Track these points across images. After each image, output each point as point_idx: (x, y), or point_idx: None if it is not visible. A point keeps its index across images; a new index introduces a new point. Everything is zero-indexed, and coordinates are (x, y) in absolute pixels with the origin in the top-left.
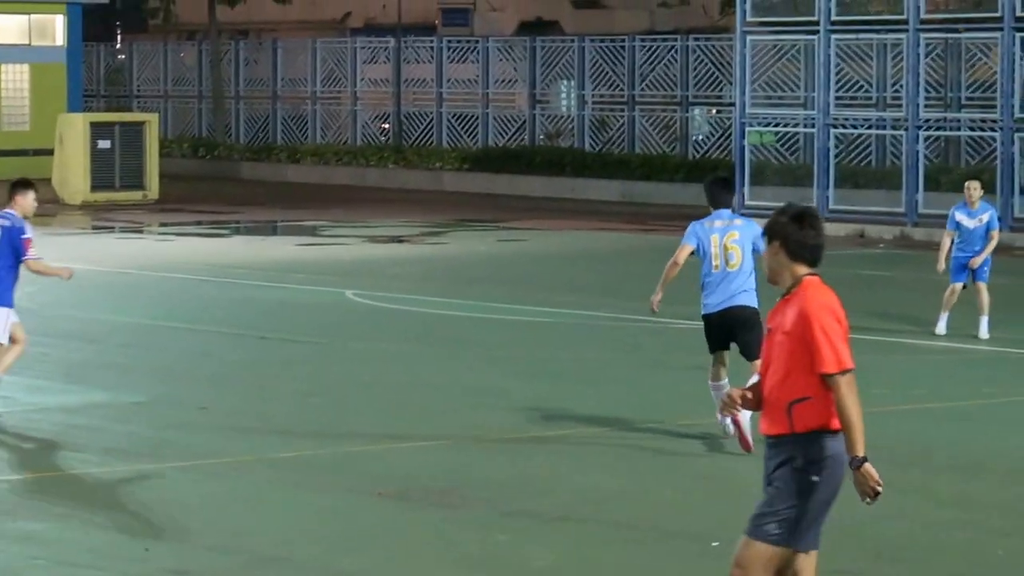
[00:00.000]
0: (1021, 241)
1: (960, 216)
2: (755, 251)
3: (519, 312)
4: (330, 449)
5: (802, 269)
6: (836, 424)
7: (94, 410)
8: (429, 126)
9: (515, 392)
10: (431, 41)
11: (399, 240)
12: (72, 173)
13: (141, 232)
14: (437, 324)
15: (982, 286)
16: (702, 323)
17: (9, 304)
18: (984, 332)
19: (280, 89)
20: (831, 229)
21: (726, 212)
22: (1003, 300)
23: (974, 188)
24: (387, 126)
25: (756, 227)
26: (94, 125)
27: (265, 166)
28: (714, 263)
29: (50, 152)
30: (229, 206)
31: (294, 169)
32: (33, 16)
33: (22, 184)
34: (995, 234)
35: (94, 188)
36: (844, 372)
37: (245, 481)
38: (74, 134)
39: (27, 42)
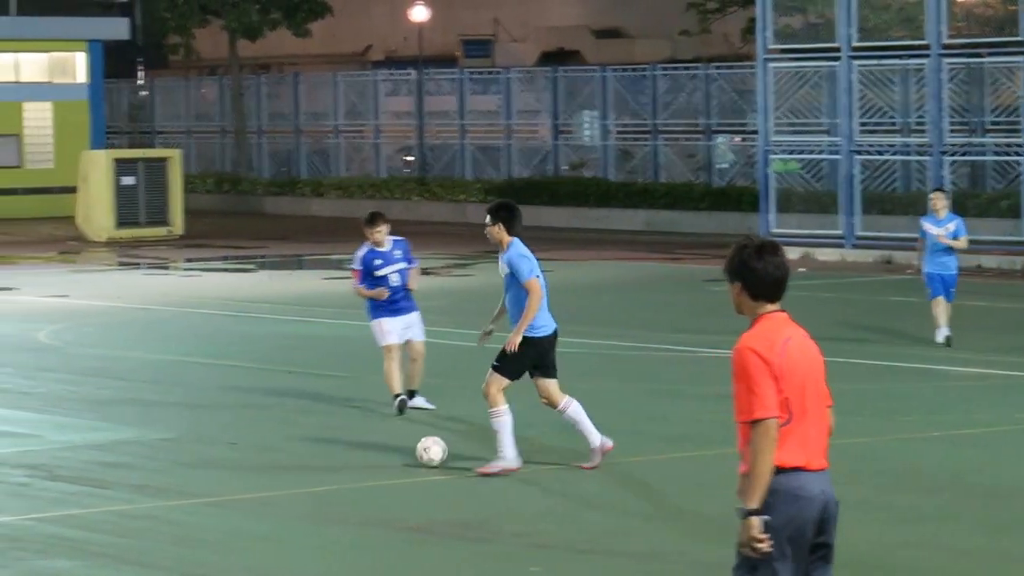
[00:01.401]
0: None
1: (927, 225)
2: None
3: None
4: (357, 483)
5: (765, 307)
6: (787, 461)
7: (122, 447)
8: (452, 158)
9: (537, 423)
10: (453, 73)
11: (424, 272)
12: (97, 210)
13: (166, 268)
14: (461, 357)
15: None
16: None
17: None
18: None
19: (302, 123)
20: (858, 256)
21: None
22: None
23: (938, 199)
24: (410, 158)
25: None
26: (118, 162)
27: (289, 200)
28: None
29: (74, 190)
30: (254, 241)
31: (318, 203)
32: (55, 54)
33: None
34: (961, 241)
35: (119, 225)
36: (755, 422)
37: (273, 517)
38: (98, 171)
39: (49, 80)
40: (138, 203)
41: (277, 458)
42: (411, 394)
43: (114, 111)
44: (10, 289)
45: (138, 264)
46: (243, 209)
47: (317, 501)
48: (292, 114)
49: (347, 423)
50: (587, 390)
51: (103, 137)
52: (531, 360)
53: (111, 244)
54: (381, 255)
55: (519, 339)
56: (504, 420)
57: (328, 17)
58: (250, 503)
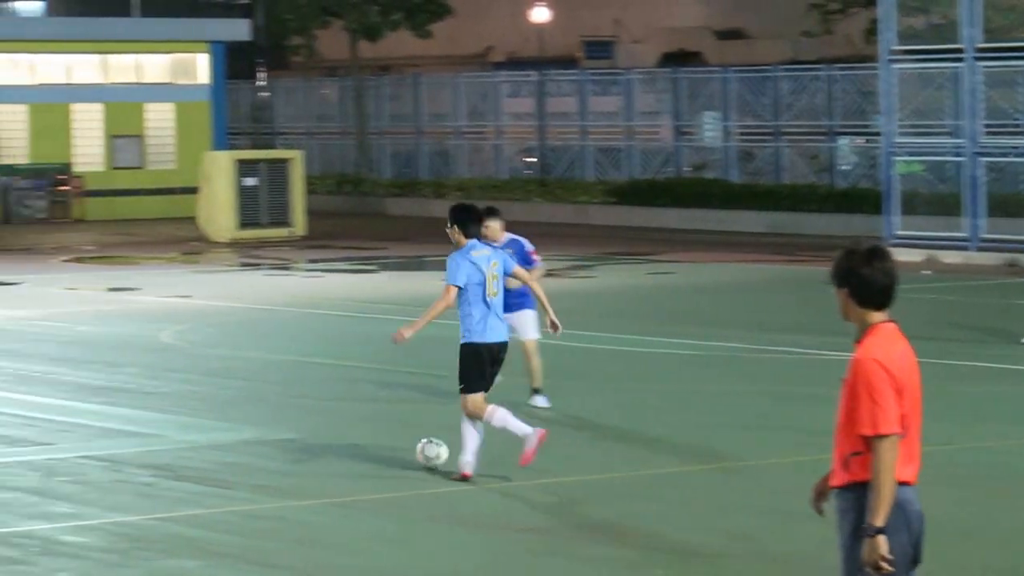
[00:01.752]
0: None
1: None
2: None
3: (668, 345)
4: (482, 485)
5: (873, 315)
6: (900, 476)
7: (244, 447)
8: (573, 159)
9: (664, 425)
10: (574, 74)
11: (548, 275)
12: (219, 211)
13: (288, 269)
14: (585, 357)
15: None
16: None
17: None
18: None
19: (424, 124)
20: (983, 259)
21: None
22: None
23: None
24: (531, 160)
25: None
26: (240, 163)
27: (410, 201)
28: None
29: (195, 190)
30: (375, 242)
31: (440, 204)
32: (176, 55)
33: None
34: None
35: (241, 226)
36: (880, 437)
37: (396, 518)
38: (220, 172)
39: (171, 81)
40: (260, 204)
41: (401, 459)
42: (533, 392)
43: (235, 112)
44: (133, 290)
45: (259, 265)
46: (364, 210)
47: (443, 502)
48: (413, 115)
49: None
50: (712, 392)
51: (225, 138)
52: (487, 364)
53: (233, 245)
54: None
55: (410, 333)
56: (501, 414)
57: (449, 18)
58: (374, 504)
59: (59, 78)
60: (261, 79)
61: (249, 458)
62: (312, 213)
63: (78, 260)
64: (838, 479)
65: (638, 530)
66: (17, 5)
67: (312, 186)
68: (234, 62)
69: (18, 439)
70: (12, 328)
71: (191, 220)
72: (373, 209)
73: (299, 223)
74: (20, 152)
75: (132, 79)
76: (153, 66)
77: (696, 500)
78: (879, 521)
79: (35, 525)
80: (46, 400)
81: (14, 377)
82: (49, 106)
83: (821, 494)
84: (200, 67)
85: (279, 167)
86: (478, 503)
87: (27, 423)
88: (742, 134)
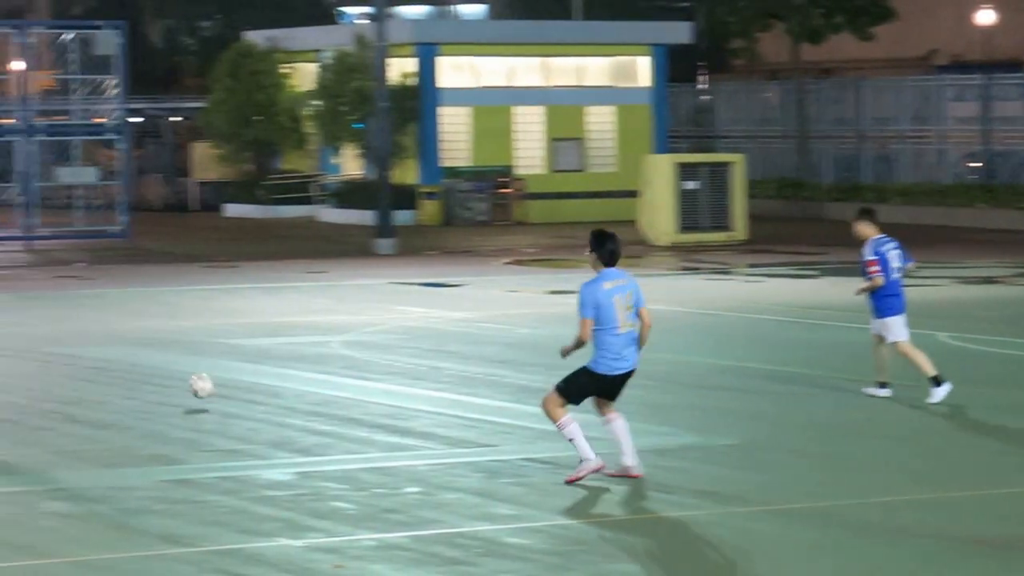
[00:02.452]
0: None
1: None
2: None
3: None
4: (924, 495)
5: None
6: None
7: (685, 452)
8: (1021, 164)
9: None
10: (1021, 78)
11: (991, 281)
12: (659, 215)
13: (728, 273)
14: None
15: None
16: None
17: None
18: None
19: (865, 128)
20: None
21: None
22: None
23: None
24: (976, 164)
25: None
26: (680, 166)
27: (851, 206)
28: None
29: (635, 194)
30: (816, 247)
31: (883, 209)
32: (618, 58)
33: None
34: None
35: (681, 229)
36: None
37: (833, 528)
38: (660, 176)
39: (612, 84)
40: (700, 208)
41: (846, 467)
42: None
43: (676, 115)
44: (573, 293)
45: (699, 269)
46: (804, 215)
47: (885, 511)
48: (855, 119)
49: (912, 433)
50: None
51: (665, 142)
52: (591, 389)
53: (673, 248)
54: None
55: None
56: (572, 428)
57: (892, 21)
58: (809, 512)
59: (501, 81)
60: (702, 82)
61: (690, 463)
62: (752, 217)
63: (519, 263)
64: None
65: None
66: (460, 8)
67: (752, 190)
68: (675, 65)
69: (461, 440)
70: (453, 330)
71: (631, 223)
72: (813, 214)
73: (739, 227)
74: (463, 155)
75: (573, 82)
76: (594, 69)
77: None
78: None
79: (478, 526)
80: (488, 402)
81: (457, 378)
82: (491, 109)
83: None
84: (641, 70)
85: (720, 171)
86: (922, 513)
87: (469, 425)
88: None
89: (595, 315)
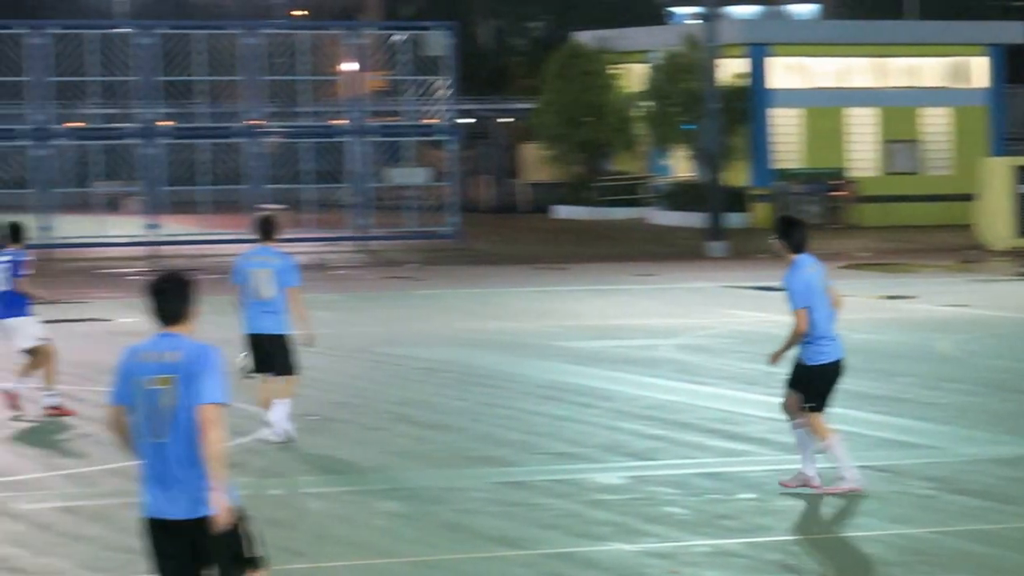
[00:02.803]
0: None
1: None
2: None
3: None
4: None
5: None
6: None
7: None
8: None
9: None
10: None
11: None
12: (996, 219)
13: None
14: None
15: None
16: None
17: None
18: None
19: None
20: None
21: None
22: None
23: None
24: None
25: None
26: (1019, 169)
27: None
28: None
29: (971, 197)
30: None
31: None
32: (953, 59)
33: None
34: None
35: (1019, 234)
36: None
37: None
38: (997, 179)
39: (947, 85)
40: None
41: None
42: None
43: (1013, 117)
44: (908, 298)
45: None
46: None
47: None
48: None
49: None
50: None
51: (1002, 144)
52: (823, 386)
53: (1011, 253)
54: None
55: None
56: (834, 441)
57: None
58: None
59: (833, 82)
60: None
61: None
62: None
63: (853, 266)
64: None
65: None
66: (791, 8)
67: None
68: (1012, 66)
69: (795, 446)
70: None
71: (967, 227)
72: None
73: None
74: (794, 157)
75: (907, 83)
76: (929, 69)
77: None
78: None
79: (814, 534)
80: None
81: None
82: (823, 110)
83: None
84: (977, 71)
85: None
86: None
87: None
88: None
89: (810, 303)
